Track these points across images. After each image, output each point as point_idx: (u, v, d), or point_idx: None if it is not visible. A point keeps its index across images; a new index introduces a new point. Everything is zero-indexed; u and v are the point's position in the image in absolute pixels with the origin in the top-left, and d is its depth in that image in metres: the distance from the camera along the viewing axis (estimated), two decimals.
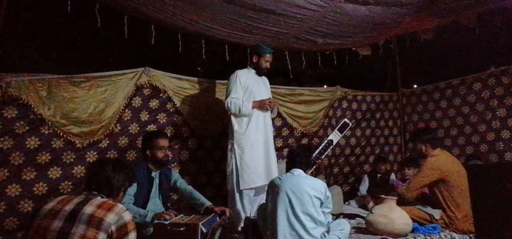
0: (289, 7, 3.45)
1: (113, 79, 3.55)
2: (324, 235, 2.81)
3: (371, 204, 4.23)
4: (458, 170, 3.40)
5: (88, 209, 1.65)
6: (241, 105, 3.45)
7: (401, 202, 3.40)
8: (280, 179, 2.90)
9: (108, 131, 3.47)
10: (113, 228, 1.62)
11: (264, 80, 3.81)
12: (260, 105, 3.54)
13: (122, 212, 1.69)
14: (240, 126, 3.52)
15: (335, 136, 3.99)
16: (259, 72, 3.68)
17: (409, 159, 4.35)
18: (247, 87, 3.56)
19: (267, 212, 2.89)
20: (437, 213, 3.37)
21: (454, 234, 3.22)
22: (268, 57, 3.66)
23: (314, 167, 3.82)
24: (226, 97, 3.55)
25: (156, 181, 2.99)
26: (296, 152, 3.06)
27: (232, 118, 3.55)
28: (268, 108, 3.59)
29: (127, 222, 1.68)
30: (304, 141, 4.75)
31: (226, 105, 3.51)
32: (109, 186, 1.86)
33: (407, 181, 3.77)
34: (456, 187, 3.30)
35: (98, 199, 1.73)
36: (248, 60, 3.76)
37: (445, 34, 4.91)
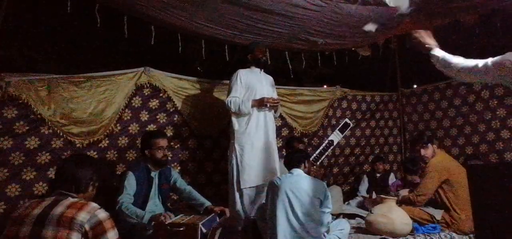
0: (289, 7, 3.44)
1: (113, 79, 3.55)
2: (324, 235, 2.81)
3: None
4: (458, 169, 3.41)
5: (58, 210, 1.59)
6: (240, 104, 3.45)
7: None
8: (279, 179, 2.90)
9: (108, 131, 3.47)
10: (86, 227, 1.56)
11: (268, 78, 3.80)
12: (260, 103, 3.53)
13: (95, 211, 1.62)
14: (240, 125, 3.52)
15: (336, 137, 3.99)
16: (259, 65, 3.66)
17: (409, 163, 4.34)
18: (249, 86, 3.56)
19: (267, 212, 2.90)
20: (438, 213, 3.37)
21: (454, 234, 3.22)
22: (260, 48, 3.67)
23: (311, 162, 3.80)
24: (227, 96, 3.55)
25: (155, 181, 2.99)
26: (293, 152, 3.07)
27: (233, 117, 3.55)
28: (268, 106, 3.58)
29: (101, 220, 1.61)
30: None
31: (226, 104, 3.51)
32: (76, 182, 1.77)
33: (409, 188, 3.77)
34: (459, 187, 3.30)
35: (69, 200, 1.66)
36: (246, 61, 3.76)
37: (445, 34, 4.90)
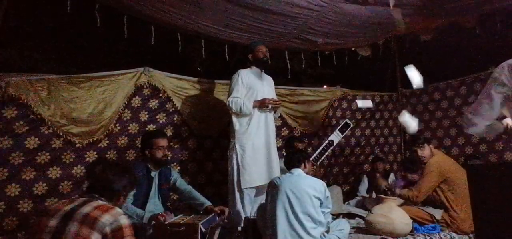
0: (289, 7, 3.45)
1: (113, 79, 3.55)
2: (324, 235, 2.81)
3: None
4: (457, 169, 3.41)
5: (85, 209, 1.65)
6: (241, 104, 3.45)
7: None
8: (279, 179, 2.91)
9: (107, 131, 3.47)
10: (107, 229, 1.60)
11: (268, 79, 3.80)
12: (261, 104, 3.53)
13: (118, 216, 1.67)
14: (241, 125, 3.52)
15: (336, 137, 3.99)
16: (260, 65, 3.66)
17: (409, 162, 4.35)
18: (250, 87, 3.56)
19: (267, 212, 2.89)
20: (438, 213, 3.37)
21: (454, 234, 3.23)
22: (261, 47, 3.65)
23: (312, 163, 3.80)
24: (228, 96, 3.55)
25: (155, 181, 2.99)
26: (293, 152, 3.07)
27: (233, 117, 3.55)
28: (269, 107, 3.58)
29: (122, 226, 1.65)
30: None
31: (227, 104, 3.51)
32: (110, 190, 1.84)
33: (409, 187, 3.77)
34: (458, 186, 3.31)
35: (98, 202, 1.72)
36: (247, 61, 3.76)
37: (445, 34, 4.90)
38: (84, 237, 1.55)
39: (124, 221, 1.67)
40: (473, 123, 2.09)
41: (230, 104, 3.47)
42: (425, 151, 3.54)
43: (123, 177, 1.91)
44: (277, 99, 3.71)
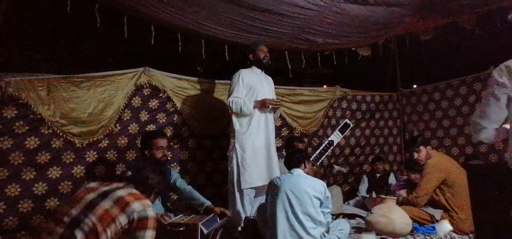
0: (289, 7, 3.45)
1: (113, 79, 3.54)
2: (324, 235, 2.81)
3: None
4: (457, 170, 3.41)
5: (121, 192, 1.79)
6: (242, 104, 3.44)
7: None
8: (279, 179, 2.91)
9: (107, 131, 3.47)
10: (135, 216, 1.71)
11: (268, 79, 3.80)
12: (262, 105, 3.53)
13: (147, 206, 1.78)
14: (241, 125, 3.52)
15: (336, 137, 3.98)
16: (261, 65, 3.66)
17: (411, 162, 4.35)
18: (250, 87, 3.56)
19: (267, 212, 2.89)
20: (437, 213, 3.37)
21: (454, 234, 3.22)
22: (262, 47, 3.66)
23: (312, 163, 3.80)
24: (228, 96, 3.55)
25: None
26: (293, 152, 3.07)
27: (233, 117, 3.55)
28: (270, 107, 3.58)
29: (148, 217, 1.75)
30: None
31: (227, 104, 3.51)
32: (144, 184, 1.97)
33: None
34: (458, 187, 3.31)
35: (132, 190, 1.85)
36: (247, 61, 3.76)
37: (445, 34, 4.90)
38: (113, 215, 1.66)
39: (151, 213, 1.78)
40: (483, 127, 2.05)
41: (230, 104, 3.47)
42: (421, 154, 3.54)
43: (159, 176, 2.06)
44: (278, 100, 3.71)
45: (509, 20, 2.01)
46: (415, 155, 3.57)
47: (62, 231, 1.61)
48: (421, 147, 3.55)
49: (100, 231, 1.61)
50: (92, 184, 1.87)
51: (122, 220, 1.68)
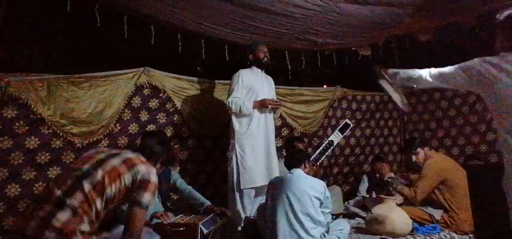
0: (289, 7, 3.44)
1: (113, 79, 3.55)
2: (324, 235, 2.81)
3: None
4: (456, 170, 3.41)
5: (129, 154, 1.92)
6: (241, 104, 3.44)
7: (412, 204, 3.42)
8: (279, 179, 2.91)
9: (107, 131, 3.47)
10: (139, 177, 1.81)
11: (268, 79, 3.80)
12: (261, 105, 3.53)
13: (152, 172, 1.89)
14: (241, 126, 3.52)
15: (336, 137, 3.98)
16: (260, 65, 3.67)
17: (410, 163, 4.36)
18: (250, 87, 3.56)
19: (267, 212, 2.89)
20: (437, 213, 3.37)
21: (454, 234, 3.23)
22: (262, 47, 3.67)
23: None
24: (228, 96, 3.55)
25: None
26: (293, 152, 3.07)
27: (233, 117, 3.55)
28: (270, 107, 3.58)
29: (150, 181, 1.84)
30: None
31: (227, 104, 3.51)
32: (151, 153, 2.08)
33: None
34: (457, 187, 3.31)
35: (140, 156, 1.96)
36: (247, 61, 3.76)
37: (445, 34, 4.89)
38: (120, 172, 1.77)
39: (154, 178, 1.88)
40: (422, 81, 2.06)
41: (230, 104, 3.47)
42: (419, 156, 3.55)
43: (163, 146, 2.19)
44: (277, 100, 3.71)
45: (498, 21, 2.01)
46: (413, 158, 3.58)
47: (71, 182, 1.70)
48: (419, 149, 3.56)
49: (106, 185, 1.71)
50: (103, 148, 1.99)
51: (127, 178, 1.78)
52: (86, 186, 1.68)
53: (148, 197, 1.81)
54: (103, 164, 1.78)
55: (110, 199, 1.73)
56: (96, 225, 1.72)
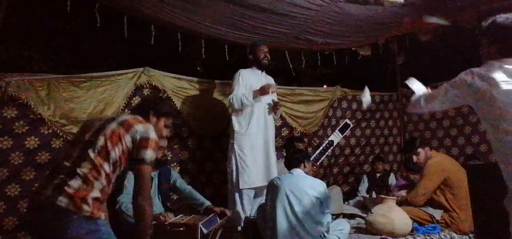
0: (289, 7, 3.44)
1: (113, 79, 3.55)
2: (324, 235, 2.81)
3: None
4: (457, 170, 3.40)
5: (126, 117, 1.96)
6: (242, 97, 3.46)
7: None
8: (279, 179, 2.90)
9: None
10: (138, 136, 1.84)
11: (268, 80, 3.81)
12: (262, 92, 3.53)
13: (151, 130, 1.90)
14: (240, 126, 3.53)
15: (336, 137, 3.98)
16: (260, 66, 3.68)
17: (411, 162, 4.35)
18: (250, 86, 3.57)
19: (267, 212, 2.89)
20: (437, 213, 3.37)
21: (454, 234, 3.22)
22: (262, 48, 3.68)
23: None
24: (229, 95, 3.56)
25: (155, 181, 2.98)
26: (293, 152, 3.07)
27: (233, 117, 3.56)
28: (271, 92, 3.58)
29: (150, 137, 1.86)
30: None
31: (228, 103, 3.52)
32: (143, 108, 2.13)
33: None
34: (458, 187, 3.30)
35: (136, 116, 1.99)
36: (248, 61, 3.76)
37: (445, 34, 4.90)
38: (119, 135, 1.81)
39: (153, 135, 1.89)
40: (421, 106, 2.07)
41: (232, 101, 3.49)
42: (420, 157, 3.55)
43: (154, 99, 2.33)
44: (274, 84, 3.71)
45: (483, 27, 2.03)
46: (415, 158, 3.57)
47: (77, 153, 1.75)
48: (420, 150, 3.56)
49: (110, 149, 1.76)
50: (98, 116, 2.07)
51: (127, 139, 1.82)
52: (91, 154, 1.74)
53: (150, 153, 1.84)
54: (103, 130, 1.82)
55: (116, 162, 1.79)
56: (108, 191, 1.79)
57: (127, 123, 1.87)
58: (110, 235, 1.76)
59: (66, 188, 1.65)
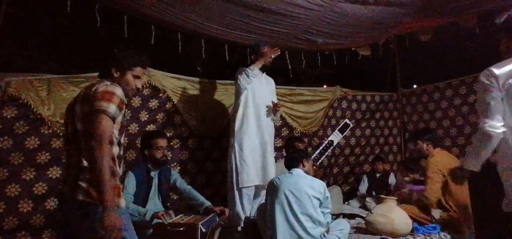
0: (289, 7, 3.44)
1: None
2: (324, 235, 2.81)
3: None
4: None
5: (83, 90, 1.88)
6: (248, 71, 3.47)
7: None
8: (279, 179, 2.90)
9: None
10: (93, 96, 1.76)
11: (268, 80, 3.81)
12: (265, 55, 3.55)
13: (106, 86, 1.80)
14: (240, 125, 3.53)
15: (336, 137, 3.99)
16: (263, 68, 3.68)
17: (409, 162, 4.35)
18: (250, 87, 3.57)
19: (267, 212, 2.89)
20: (437, 213, 3.37)
21: (454, 234, 3.22)
22: (271, 51, 3.67)
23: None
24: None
25: (155, 181, 2.99)
26: (293, 152, 3.07)
27: (233, 117, 3.57)
28: (272, 57, 3.62)
29: (101, 91, 1.77)
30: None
31: (236, 79, 3.53)
32: (106, 67, 1.96)
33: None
34: (458, 187, 3.29)
35: (95, 84, 1.83)
36: (249, 60, 3.76)
37: (445, 34, 4.90)
38: (85, 111, 1.76)
39: (105, 88, 1.79)
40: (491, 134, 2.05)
41: (239, 76, 3.50)
42: (422, 147, 3.55)
43: (119, 57, 1.95)
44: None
45: (498, 25, 2.06)
46: (419, 145, 3.58)
47: (76, 146, 1.79)
48: (419, 142, 3.57)
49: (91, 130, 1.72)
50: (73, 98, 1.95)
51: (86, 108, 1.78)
52: (83, 143, 1.74)
53: (105, 104, 1.73)
54: (75, 115, 1.80)
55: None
56: (118, 170, 1.79)
57: (84, 95, 1.80)
58: (127, 224, 1.76)
59: (79, 182, 1.70)
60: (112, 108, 1.73)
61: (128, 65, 1.95)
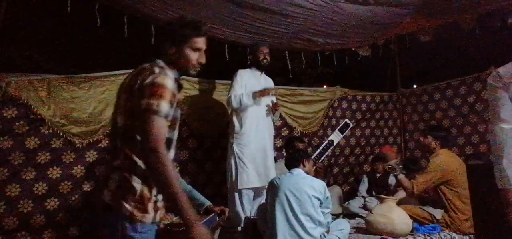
0: (289, 7, 3.44)
1: (113, 79, 3.54)
2: (324, 235, 2.81)
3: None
4: (462, 171, 3.37)
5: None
6: (241, 96, 3.46)
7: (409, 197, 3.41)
8: (279, 179, 2.90)
9: (108, 131, 3.46)
10: (141, 85, 1.49)
11: (268, 80, 3.82)
12: (262, 94, 3.53)
13: (160, 76, 1.51)
14: (240, 126, 3.53)
15: (336, 137, 3.98)
16: (259, 66, 3.69)
17: (410, 162, 4.35)
18: (248, 87, 3.57)
19: (267, 212, 2.89)
20: (438, 213, 3.37)
21: (454, 234, 3.22)
22: (262, 49, 3.68)
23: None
24: (228, 95, 3.56)
25: None
26: (293, 152, 3.07)
27: (233, 117, 3.57)
28: (271, 94, 3.60)
29: (155, 83, 1.48)
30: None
31: (229, 101, 3.52)
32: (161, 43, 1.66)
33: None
34: (459, 188, 3.30)
35: (148, 64, 1.58)
36: (248, 60, 3.77)
37: (445, 34, 4.90)
38: (127, 99, 1.52)
39: (160, 80, 1.50)
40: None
41: (231, 99, 3.49)
42: (431, 142, 3.54)
43: (177, 29, 1.64)
44: (274, 88, 3.72)
45: (509, 24, 2.04)
46: (428, 139, 3.58)
47: (112, 146, 1.59)
48: (429, 137, 3.57)
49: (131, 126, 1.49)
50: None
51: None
52: (118, 141, 1.49)
53: (156, 101, 1.44)
54: (118, 107, 1.53)
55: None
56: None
57: (130, 84, 1.49)
58: None
59: (109, 183, 1.46)
60: (164, 106, 1.44)
61: (184, 37, 1.60)
